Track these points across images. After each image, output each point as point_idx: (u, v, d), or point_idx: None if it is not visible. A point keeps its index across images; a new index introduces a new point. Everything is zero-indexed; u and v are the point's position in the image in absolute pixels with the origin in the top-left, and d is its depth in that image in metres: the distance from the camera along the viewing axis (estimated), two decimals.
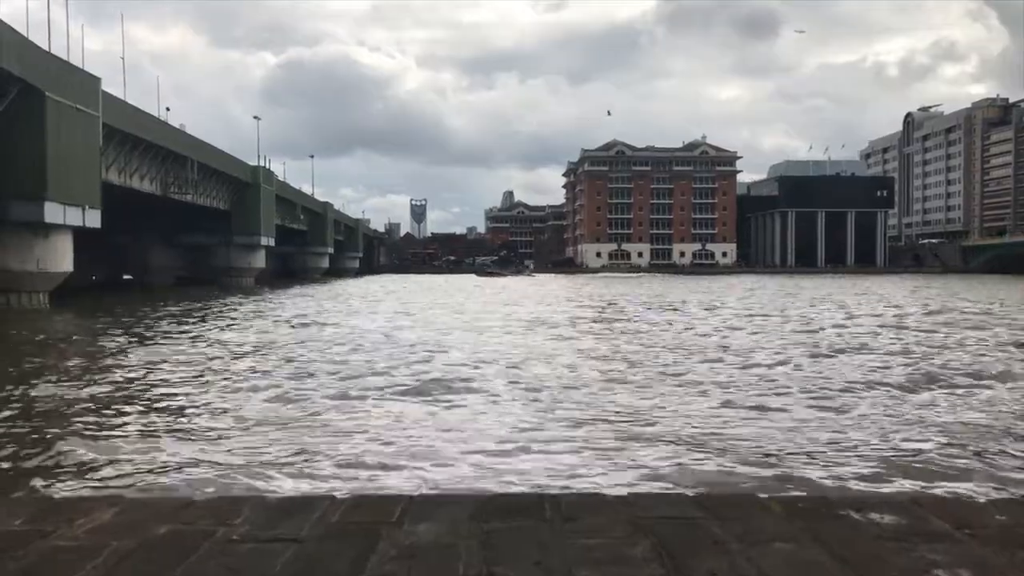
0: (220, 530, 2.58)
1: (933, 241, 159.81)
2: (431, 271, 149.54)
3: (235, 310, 37.62)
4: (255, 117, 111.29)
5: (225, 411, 11.53)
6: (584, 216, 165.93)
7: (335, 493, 3.61)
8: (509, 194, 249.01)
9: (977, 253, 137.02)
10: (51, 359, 18.56)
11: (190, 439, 9.67)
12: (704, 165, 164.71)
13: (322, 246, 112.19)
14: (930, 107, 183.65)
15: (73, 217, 40.53)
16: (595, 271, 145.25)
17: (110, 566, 2.31)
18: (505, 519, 2.69)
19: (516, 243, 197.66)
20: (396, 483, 7.61)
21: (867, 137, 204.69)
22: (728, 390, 13.20)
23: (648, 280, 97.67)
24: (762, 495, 3.09)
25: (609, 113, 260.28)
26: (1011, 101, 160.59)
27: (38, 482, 7.76)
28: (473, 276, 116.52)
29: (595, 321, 30.58)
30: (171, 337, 23.38)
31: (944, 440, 9.49)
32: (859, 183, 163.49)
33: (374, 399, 12.48)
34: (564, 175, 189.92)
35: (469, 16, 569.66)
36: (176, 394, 13.15)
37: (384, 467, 8.19)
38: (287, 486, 7.51)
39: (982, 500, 3.09)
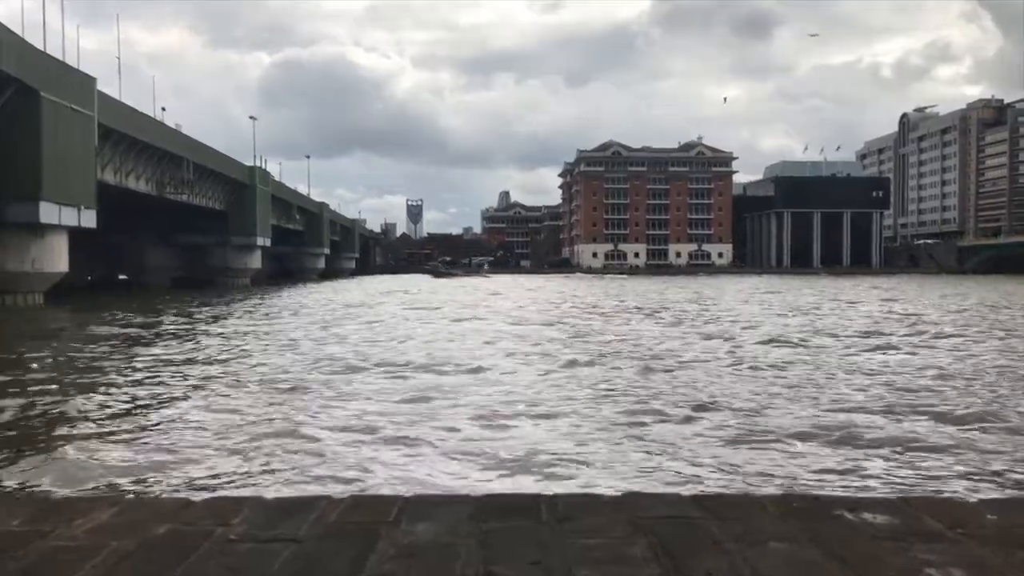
0: (219, 530, 2.59)
1: (928, 242, 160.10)
2: (425, 272, 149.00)
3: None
4: (251, 117, 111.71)
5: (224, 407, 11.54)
6: (580, 216, 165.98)
7: (332, 493, 3.62)
8: (505, 194, 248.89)
9: (972, 254, 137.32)
10: (48, 356, 18.54)
11: (188, 437, 9.67)
12: (700, 165, 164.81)
13: (318, 246, 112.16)
14: (925, 108, 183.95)
15: (68, 217, 40.47)
16: (592, 272, 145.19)
17: (109, 566, 2.31)
18: (503, 519, 2.70)
19: (513, 243, 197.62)
20: None
21: (868, 137, 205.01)
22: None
23: (624, 281, 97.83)
24: (757, 495, 3.11)
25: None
26: (1006, 102, 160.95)
27: (36, 482, 7.76)
28: (428, 276, 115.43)
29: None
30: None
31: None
32: (855, 184, 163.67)
33: None
34: (560, 175, 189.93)
35: (468, 17, 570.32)
36: (173, 394, 13.16)
37: None
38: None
39: (973, 500, 3.10)
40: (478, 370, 15.89)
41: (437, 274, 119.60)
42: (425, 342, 21.95)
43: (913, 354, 18.96)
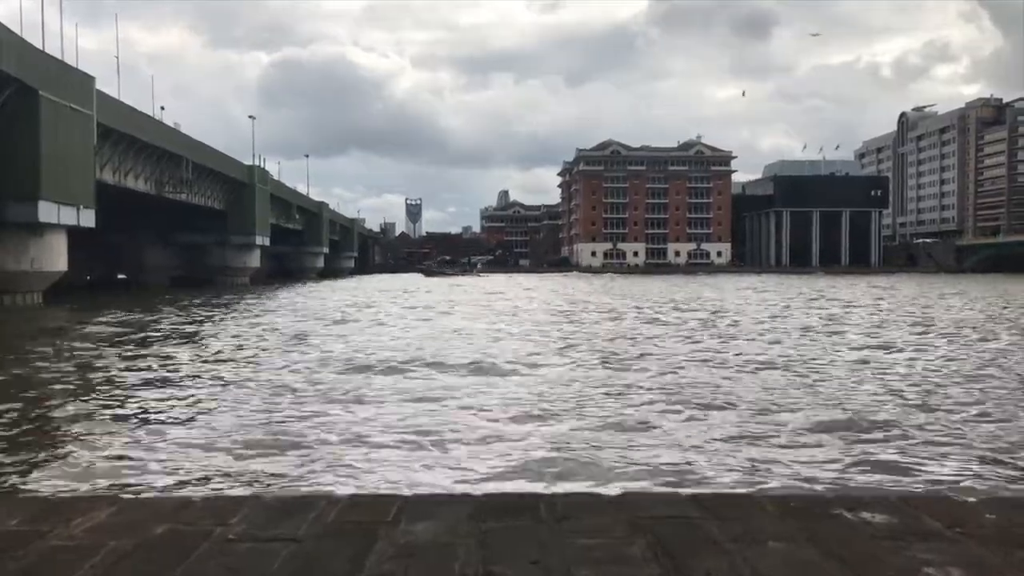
0: (218, 529, 2.59)
1: (927, 240, 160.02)
2: (418, 271, 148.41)
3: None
4: (250, 116, 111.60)
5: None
6: (579, 216, 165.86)
7: (332, 493, 3.62)
8: (504, 193, 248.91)
9: (971, 253, 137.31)
10: (47, 356, 18.52)
11: (188, 437, 9.66)
12: (699, 165, 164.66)
13: (317, 246, 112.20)
14: (924, 107, 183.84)
15: (67, 216, 40.43)
16: (591, 271, 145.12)
17: (108, 565, 2.31)
18: (502, 519, 2.70)
19: (512, 243, 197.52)
20: None
21: (867, 137, 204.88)
22: None
23: (604, 280, 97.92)
24: (756, 494, 3.11)
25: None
26: (1004, 101, 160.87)
27: (36, 481, 7.76)
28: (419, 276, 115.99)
29: None
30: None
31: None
32: (854, 183, 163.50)
33: None
34: (559, 175, 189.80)
35: (467, 17, 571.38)
36: (170, 396, 13.15)
37: None
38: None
39: (972, 499, 3.10)
40: (479, 370, 15.89)
41: (429, 273, 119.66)
42: (430, 340, 21.96)
43: (915, 354, 18.96)
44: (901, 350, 19.61)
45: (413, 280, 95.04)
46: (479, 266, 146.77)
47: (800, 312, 35.03)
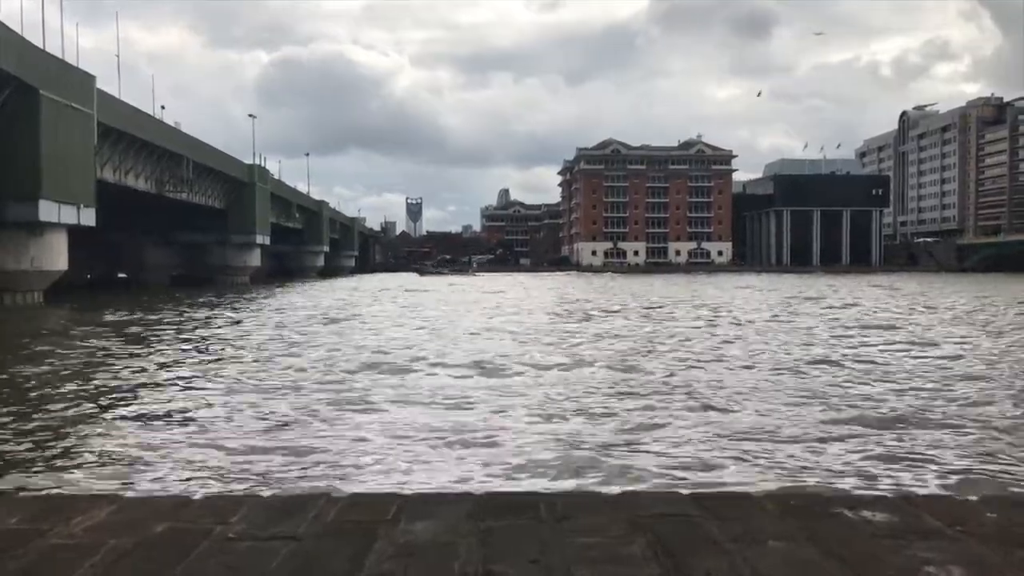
0: (218, 528, 2.58)
1: (928, 240, 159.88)
2: (413, 271, 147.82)
3: None
4: (250, 115, 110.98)
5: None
6: (580, 215, 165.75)
7: (331, 492, 3.61)
8: (505, 192, 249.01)
9: (972, 252, 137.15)
10: (47, 356, 18.53)
11: (187, 436, 9.66)
12: (700, 164, 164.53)
13: (318, 244, 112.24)
14: (925, 106, 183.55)
15: (68, 215, 40.43)
16: (592, 270, 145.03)
17: (108, 564, 2.31)
18: (502, 518, 2.70)
19: (512, 242, 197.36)
20: None
21: (866, 136, 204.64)
22: None
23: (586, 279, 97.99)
24: (756, 493, 3.10)
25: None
26: (1005, 100, 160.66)
27: (36, 480, 7.76)
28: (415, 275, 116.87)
29: None
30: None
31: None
32: (855, 182, 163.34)
33: None
34: (560, 174, 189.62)
35: (466, 16, 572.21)
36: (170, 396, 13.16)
37: None
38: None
39: (973, 498, 3.10)
40: (480, 369, 15.89)
41: (422, 273, 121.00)
42: (430, 339, 21.96)
43: (916, 352, 18.96)
44: (902, 349, 19.61)
45: (412, 280, 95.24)
46: (475, 265, 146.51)
47: (801, 311, 35.03)
